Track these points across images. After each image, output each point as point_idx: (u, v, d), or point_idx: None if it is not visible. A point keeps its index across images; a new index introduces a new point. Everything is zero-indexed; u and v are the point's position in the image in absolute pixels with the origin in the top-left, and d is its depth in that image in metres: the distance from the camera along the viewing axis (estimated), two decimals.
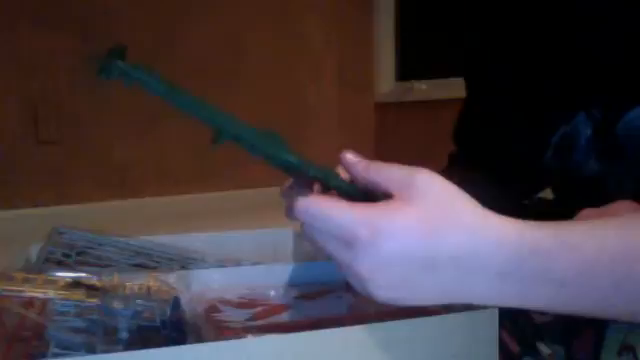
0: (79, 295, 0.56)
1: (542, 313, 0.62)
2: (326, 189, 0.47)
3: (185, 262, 0.76)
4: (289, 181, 0.55)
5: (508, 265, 0.41)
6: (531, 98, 0.81)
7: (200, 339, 0.55)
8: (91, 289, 0.57)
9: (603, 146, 0.75)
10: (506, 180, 0.85)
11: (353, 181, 0.47)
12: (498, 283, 0.42)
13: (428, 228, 0.42)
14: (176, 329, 0.58)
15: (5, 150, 2.52)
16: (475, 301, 0.44)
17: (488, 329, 0.54)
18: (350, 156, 0.47)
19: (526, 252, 0.41)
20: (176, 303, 0.59)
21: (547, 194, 0.91)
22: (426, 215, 0.42)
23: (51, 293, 0.56)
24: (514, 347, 0.62)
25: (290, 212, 0.58)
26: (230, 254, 0.79)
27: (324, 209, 0.44)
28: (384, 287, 0.43)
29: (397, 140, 3.35)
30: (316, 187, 0.47)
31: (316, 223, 0.44)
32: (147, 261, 0.75)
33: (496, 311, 0.54)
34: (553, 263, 0.41)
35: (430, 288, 0.43)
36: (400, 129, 3.35)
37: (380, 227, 0.42)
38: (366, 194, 0.46)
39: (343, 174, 0.48)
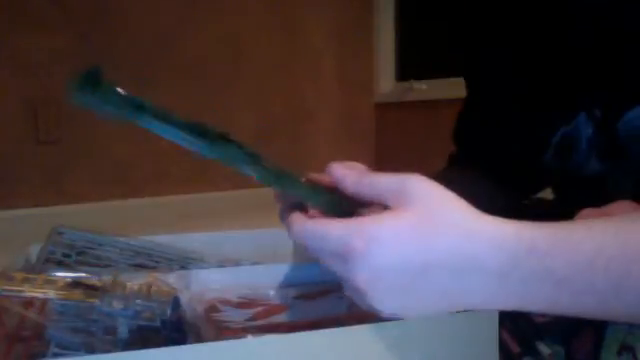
0: (79, 295, 0.56)
1: (542, 314, 0.62)
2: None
3: (185, 262, 0.77)
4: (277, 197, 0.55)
5: (506, 266, 0.41)
6: (531, 98, 0.81)
7: (200, 339, 0.55)
8: (91, 289, 0.57)
9: (604, 146, 0.75)
10: (506, 180, 0.85)
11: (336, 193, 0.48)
12: (497, 285, 0.42)
13: (421, 233, 0.42)
14: (176, 329, 0.58)
15: (5, 150, 2.52)
16: (476, 305, 0.44)
17: (488, 329, 0.54)
18: (338, 169, 0.47)
19: (523, 252, 0.41)
20: (176, 303, 0.59)
21: (547, 194, 0.91)
22: (418, 220, 0.42)
23: (51, 293, 0.56)
24: (514, 347, 0.62)
25: (284, 216, 0.59)
26: (229, 254, 0.79)
27: (317, 228, 0.44)
28: (384, 299, 0.43)
29: (397, 140, 3.35)
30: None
31: (313, 243, 0.44)
32: (147, 261, 0.75)
33: (496, 311, 0.54)
34: (551, 263, 0.41)
35: (429, 294, 0.43)
36: (400, 129, 3.35)
37: (373, 236, 0.41)
38: (347, 212, 0.46)
39: (327, 180, 0.49)
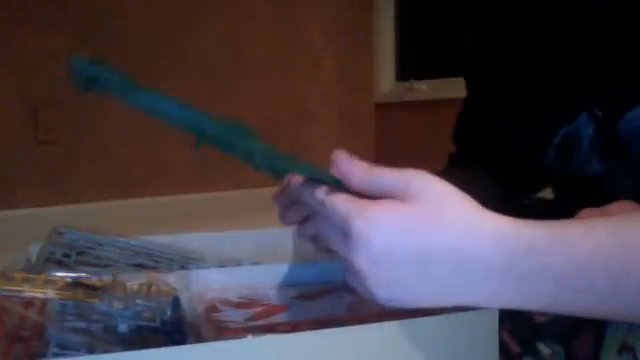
0: (79, 295, 0.56)
1: (542, 313, 0.62)
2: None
3: (185, 262, 0.77)
4: (280, 186, 0.55)
5: (505, 264, 0.41)
6: (532, 98, 0.81)
7: (200, 339, 0.55)
8: (91, 289, 0.57)
9: (605, 146, 0.75)
10: (506, 180, 0.85)
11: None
12: (496, 282, 0.42)
13: (423, 225, 0.42)
14: (176, 329, 0.58)
15: (5, 150, 2.52)
16: (474, 302, 0.44)
17: (488, 329, 0.54)
18: (343, 165, 0.47)
19: (522, 250, 0.41)
20: (176, 303, 0.59)
21: (547, 194, 0.91)
22: (421, 213, 0.42)
23: (51, 293, 0.56)
24: (514, 347, 0.62)
25: (282, 216, 0.59)
26: (230, 254, 0.79)
27: (331, 199, 0.45)
28: (383, 284, 0.43)
29: (397, 140, 3.35)
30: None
31: (324, 212, 0.46)
32: (147, 261, 0.75)
33: (496, 311, 0.54)
34: (550, 261, 0.41)
35: (428, 287, 0.43)
36: (400, 129, 3.35)
37: (374, 220, 0.42)
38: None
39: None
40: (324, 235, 0.47)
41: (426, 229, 0.42)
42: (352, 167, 0.46)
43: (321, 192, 0.47)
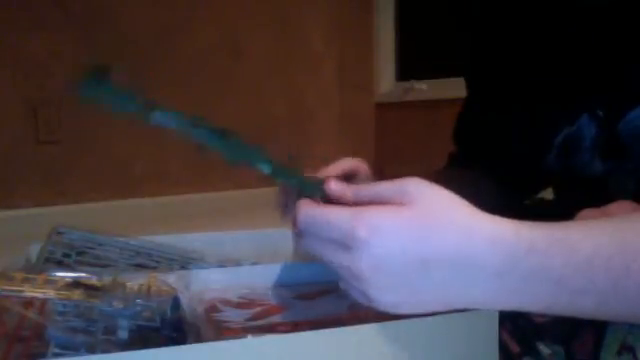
0: (79, 295, 0.56)
1: (542, 314, 0.62)
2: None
3: (185, 262, 0.77)
4: (280, 190, 0.55)
5: (505, 265, 0.41)
6: (533, 99, 0.81)
7: (200, 339, 0.55)
8: (91, 289, 0.57)
9: (607, 146, 0.75)
10: (506, 180, 0.85)
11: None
12: (496, 284, 0.42)
13: (421, 229, 0.42)
14: (176, 329, 0.58)
15: (5, 150, 2.52)
16: (476, 305, 0.44)
17: (488, 329, 0.54)
18: (335, 185, 0.47)
19: (522, 251, 0.41)
20: (176, 303, 0.59)
21: (547, 194, 0.91)
22: (420, 216, 0.42)
23: (51, 293, 0.56)
24: (514, 347, 0.62)
25: (284, 212, 0.58)
26: (230, 254, 0.79)
27: (324, 212, 0.44)
28: (385, 290, 0.43)
29: (397, 140, 3.35)
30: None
31: (318, 229, 0.44)
32: (147, 261, 0.75)
33: (496, 311, 0.54)
34: (550, 262, 0.41)
35: (428, 291, 0.43)
36: (400, 129, 3.35)
37: (375, 225, 0.42)
38: None
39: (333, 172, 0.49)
40: (315, 252, 0.46)
41: (425, 232, 0.42)
42: (345, 187, 0.46)
43: (310, 208, 0.45)
